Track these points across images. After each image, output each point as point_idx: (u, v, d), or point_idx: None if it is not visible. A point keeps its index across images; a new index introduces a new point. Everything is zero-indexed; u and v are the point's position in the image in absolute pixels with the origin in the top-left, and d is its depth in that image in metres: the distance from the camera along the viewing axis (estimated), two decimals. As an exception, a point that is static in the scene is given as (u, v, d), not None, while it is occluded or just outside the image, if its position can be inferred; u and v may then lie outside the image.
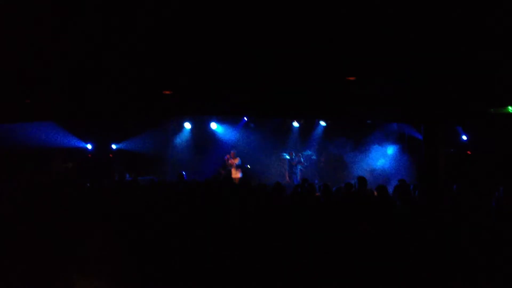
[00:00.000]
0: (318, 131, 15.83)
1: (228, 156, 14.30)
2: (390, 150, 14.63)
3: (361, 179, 8.02)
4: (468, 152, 13.03)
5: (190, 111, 13.62)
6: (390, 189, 8.02)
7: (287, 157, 15.68)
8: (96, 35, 5.77)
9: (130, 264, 3.57)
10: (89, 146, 14.60)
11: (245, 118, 15.55)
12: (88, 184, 7.94)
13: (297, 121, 15.59)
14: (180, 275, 3.56)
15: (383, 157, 14.71)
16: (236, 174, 14.00)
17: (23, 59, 6.69)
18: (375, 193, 7.56)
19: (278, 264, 4.05)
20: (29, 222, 3.73)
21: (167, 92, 9.41)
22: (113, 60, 6.95)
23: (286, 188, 7.87)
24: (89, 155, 14.85)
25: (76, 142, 14.17)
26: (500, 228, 4.80)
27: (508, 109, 9.32)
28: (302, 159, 15.24)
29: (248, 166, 15.40)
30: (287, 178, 15.21)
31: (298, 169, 15.14)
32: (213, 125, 15.48)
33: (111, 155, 15.13)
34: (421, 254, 4.09)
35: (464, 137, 13.15)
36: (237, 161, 14.17)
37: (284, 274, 3.98)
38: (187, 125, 15.39)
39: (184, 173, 11.72)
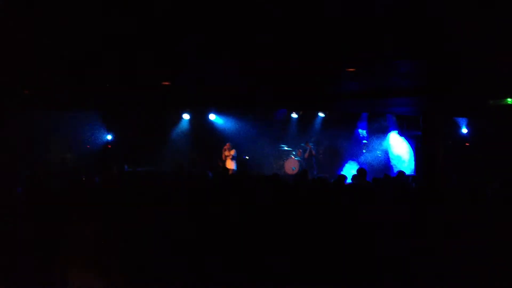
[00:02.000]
0: (317, 122, 15.79)
1: (224, 147, 14.32)
2: (388, 141, 14.66)
3: (361, 171, 8.05)
4: (467, 144, 13.04)
5: (188, 102, 13.61)
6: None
7: (285, 148, 15.65)
8: (96, 24, 5.71)
9: (126, 258, 3.56)
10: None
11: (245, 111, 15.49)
12: (84, 178, 7.91)
13: (295, 112, 15.53)
14: (176, 271, 3.55)
15: (381, 148, 14.75)
16: (230, 165, 14.05)
17: (23, 51, 6.65)
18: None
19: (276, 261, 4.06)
20: (25, 213, 3.70)
21: (166, 83, 9.37)
22: (112, 50, 6.90)
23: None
24: (88, 146, 14.82)
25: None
26: (496, 220, 4.80)
27: (507, 101, 9.30)
28: (314, 151, 15.03)
29: (247, 157, 15.38)
30: (287, 169, 15.14)
31: (314, 161, 14.94)
32: (212, 116, 15.44)
33: (109, 146, 15.11)
34: (419, 248, 4.10)
35: (465, 130, 13.12)
36: (233, 152, 14.20)
37: (282, 270, 3.99)
38: (186, 116, 15.34)
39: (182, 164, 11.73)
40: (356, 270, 3.71)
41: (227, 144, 14.35)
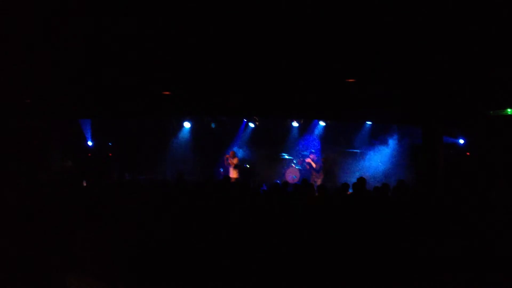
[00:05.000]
0: (317, 131, 15.80)
1: (227, 155, 14.32)
2: (389, 150, 14.66)
3: (360, 180, 8.06)
4: (467, 153, 13.04)
5: (189, 111, 13.66)
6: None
7: (286, 156, 15.65)
8: (97, 35, 5.76)
9: (126, 264, 3.57)
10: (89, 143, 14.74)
11: (245, 119, 15.52)
12: (85, 183, 7.93)
13: (296, 121, 15.56)
14: (176, 275, 3.56)
15: (382, 157, 14.74)
16: (234, 174, 14.02)
17: (24, 60, 6.70)
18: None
19: (276, 265, 4.06)
20: (26, 220, 3.72)
21: (167, 93, 9.42)
22: (113, 61, 6.95)
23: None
24: (89, 154, 14.87)
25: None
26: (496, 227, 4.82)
27: (507, 111, 9.33)
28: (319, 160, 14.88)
29: (247, 165, 15.37)
30: (287, 178, 15.10)
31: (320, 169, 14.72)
32: (212, 125, 15.52)
33: (110, 154, 15.14)
34: (420, 254, 4.10)
35: (461, 141, 13.14)
36: (236, 161, 14.18)
37: (282, 275, 3.99)
38: (187, 124, 15.40)
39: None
40: (355, 275, 3.72)
41: (230, 152, 14.34)
